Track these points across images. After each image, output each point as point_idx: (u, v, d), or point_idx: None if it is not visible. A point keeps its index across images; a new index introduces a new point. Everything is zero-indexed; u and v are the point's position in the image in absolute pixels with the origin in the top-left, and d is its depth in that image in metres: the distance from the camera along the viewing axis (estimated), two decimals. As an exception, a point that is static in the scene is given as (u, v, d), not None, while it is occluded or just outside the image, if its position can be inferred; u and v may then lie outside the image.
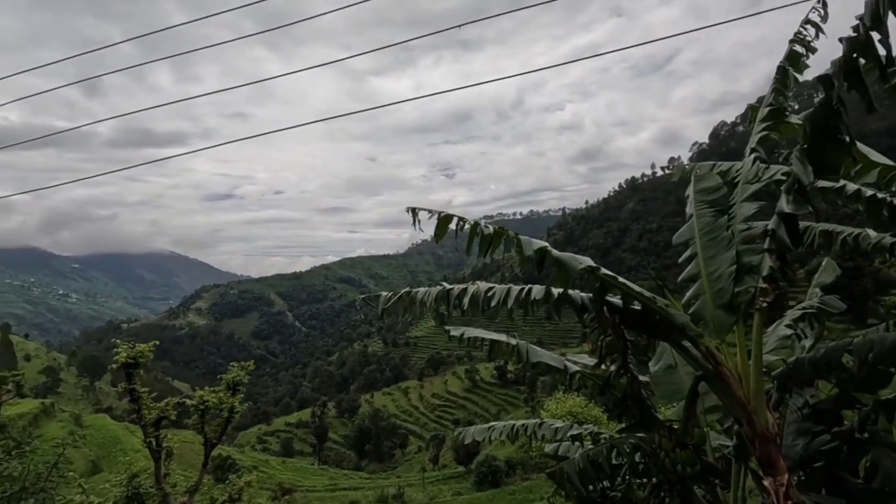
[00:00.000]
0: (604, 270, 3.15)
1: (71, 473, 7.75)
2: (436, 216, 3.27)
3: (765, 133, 3.53)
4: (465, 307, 3.67)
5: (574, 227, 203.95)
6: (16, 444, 9.55)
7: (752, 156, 3.55)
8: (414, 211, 3.34)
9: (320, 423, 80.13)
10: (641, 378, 4.17)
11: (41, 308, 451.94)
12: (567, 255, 3.22)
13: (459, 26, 4.33)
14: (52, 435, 37.86)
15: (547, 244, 3.18)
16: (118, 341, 8.89)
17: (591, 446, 4.37)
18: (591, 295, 3.51)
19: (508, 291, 3.65)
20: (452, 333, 4.40)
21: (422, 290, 3.96)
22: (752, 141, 3.61)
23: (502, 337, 4.37)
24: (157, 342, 9.61)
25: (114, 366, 8.71)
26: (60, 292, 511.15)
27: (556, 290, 3.53)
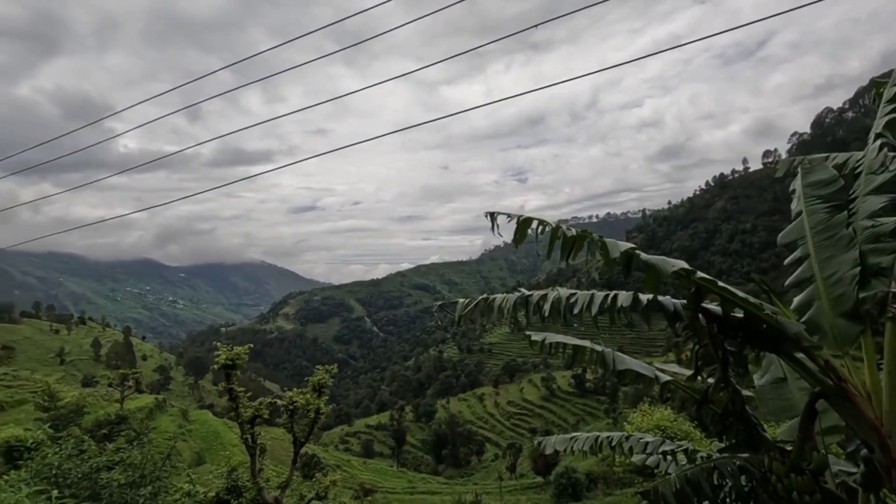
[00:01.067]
0: (700, 274, 2.90)
1: (181, 464, 8.56)
2: (515, 220, 3.18)
3: (894, 116, 3.08)
4: (546, 314, 3.55)
5: (656, 229, 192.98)
6: (136, 434, 10.67)
7: (878, 142, 3.11)
8: (492, 215, 3.28)
9: (398, 426, 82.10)
10: (744, 392, 3.79)
11: (155, 313, 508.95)
12: (657, 258, 3.00)
13: (536, 26, 4.23)
14: (164, 428, 42.10)
15: (634, 246, 2.99)
16: (218, 344, 9.69)
17: (686, 465, 4.04)
18: (684, 301, 3.25)
19: (592, 298, 3.48)
20: (534, 338, 4.26)
21: (500, 296, 3.89)
22: (878, 125, 3.17)
23: (586, 343, 4.17)
24: (252, 345, 10.36)
25: (215, 366, 9.49)
26: (170, 299, 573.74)
27: (644, 296, 3.31)
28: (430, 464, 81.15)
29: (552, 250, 3.18)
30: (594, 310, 3.40)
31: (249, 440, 9.31)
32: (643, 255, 2.98)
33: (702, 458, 4.09)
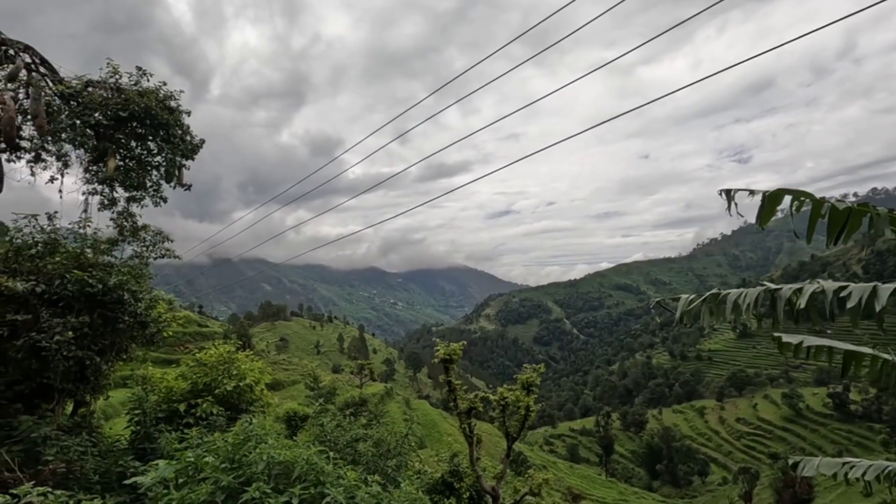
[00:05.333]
0: None
1: (414, 444, 9.79)
2: (759, 196, 2.68)
3: None
4: (801, 309, 2.93)
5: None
6: (373, 415, 12.59)
7: None
8: (728, 193, 2.83)
9: (605, 433, 78.38)
10: None
11: (380, 313, 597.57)
12: None
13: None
14: (393, 412, 48.58)
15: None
16: (437, 340, 10.76)
17: None
18: None
19: (875, 291, 2.74)
20: (785, 339, 3.56)
21: (735, 290, 3.37)
22: None
23: (866, 349, 3.27)
24: (464, 343, 11.19)
25: (434, 360, 10.55)
26: (391, 301, 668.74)
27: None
28: (643, 478, 75.59)
29: (813, 232, 2.60)
30: (878, 306, 2.66)
31: (467, 430, 10.05)
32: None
33: None
